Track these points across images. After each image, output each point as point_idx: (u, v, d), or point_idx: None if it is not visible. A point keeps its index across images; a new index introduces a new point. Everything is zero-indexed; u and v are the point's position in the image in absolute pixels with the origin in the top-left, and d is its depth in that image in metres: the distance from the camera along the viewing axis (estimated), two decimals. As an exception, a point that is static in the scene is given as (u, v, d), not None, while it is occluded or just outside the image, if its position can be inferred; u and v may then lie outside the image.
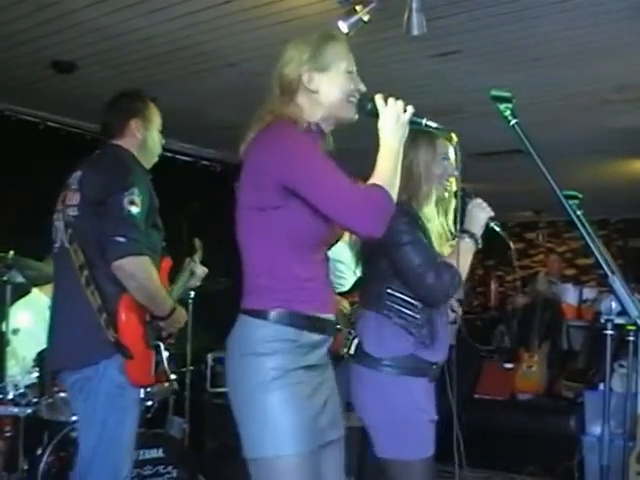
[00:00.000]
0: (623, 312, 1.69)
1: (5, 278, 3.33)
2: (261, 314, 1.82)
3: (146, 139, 2.61)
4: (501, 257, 8.93)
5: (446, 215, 2.40)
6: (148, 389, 2.52)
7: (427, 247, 2.26)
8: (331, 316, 1.95)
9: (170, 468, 3.37)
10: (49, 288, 3.24)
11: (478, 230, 2.30)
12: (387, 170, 1.85)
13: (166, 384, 2.94)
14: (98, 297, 2.36)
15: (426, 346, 2.24)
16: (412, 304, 2.25)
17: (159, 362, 2.55)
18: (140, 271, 2.34)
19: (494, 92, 1.82)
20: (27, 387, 3.26)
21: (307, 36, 1.96)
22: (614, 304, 2.68)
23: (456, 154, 2.22)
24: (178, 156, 6.00)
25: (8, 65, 4.20)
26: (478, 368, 6.33)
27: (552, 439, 5.23)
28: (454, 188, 2.33)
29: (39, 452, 3.18)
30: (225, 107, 4.88)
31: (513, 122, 1.79)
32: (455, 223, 2.28)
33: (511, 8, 3.31)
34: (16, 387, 3.24)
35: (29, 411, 3.18)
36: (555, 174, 1.73)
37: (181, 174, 5.76)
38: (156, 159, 2.70)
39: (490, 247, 2.41)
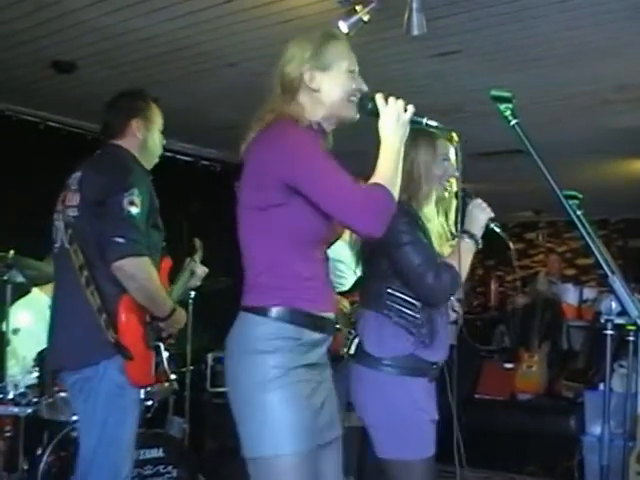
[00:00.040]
0: (623, 312, 1.69)
1: (5, 278, 3.33)
2: (262, 311, 1.82)
3: (147, 139, 2.61)
4: (501, 257, 8.93)
5: (446, 215, 2.40)
6: (148, 389, 2.52)
7: (427, 247, 2.26)
8: (331, 315, 1.95)
9: (170, 468, 3.37)
10: (49, 288, 3.24)
11: (478, 231, 2.30)
12: (388, 169, 1.85)
13: (166, 384, 2.94)
14: (98, 298, 2.36)
15: (426, 346, 2.24)
16: (412, 304, 2.25)
17: (159, 362, 2.55)
18: (140, 272, 2.34)
19: (494, 92, 1.82)
20: (27, 387, 3.26)
21: (309, 34, 1.96)
22: (614, 304, 2.68)
23: (457, 154, 2.22)
24: (178, 156, 6.00)
25: (8, 65, 4.20)
26: (478, 368, 6.33)
27: (552, 439, 5.23)
28: (454, 189, 2.33)
29: (39, 452, 3.18)
30: (225, 107, 4.88)
31: (513, 122, 1.79)
32: (456, 224, 2.28)
33: (511, 8, 3.31)
34: (16, 387, 3.24)
35: (29, 411, 3.18)
36: (555, 174, 1.73)
37: (181, 174, 5.76)
38: (157, 160, 2.69)
39: (490, 247, 2.41)
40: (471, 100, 4.54)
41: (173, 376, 3.32)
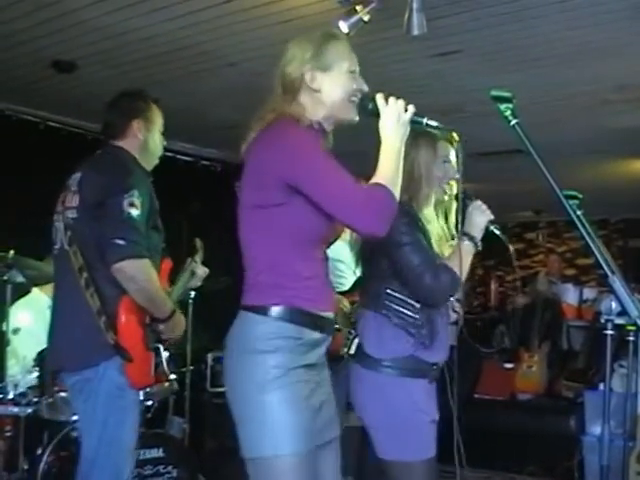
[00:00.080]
0: (623, 312, 1.69)
1: (5, 278, 3.33)
2: (262, 310, 1.82)
3: (147, 140, 2.61)
4: (501, 257, 8.91)
5: (446, 217, 2.40)
6: (148, 389, 2.52)
7: (426, 248, 2.26)
8: (331, 315, 1.95)
9: (170, 468, 3.38)
10: (49, 288, 3.24)
11: (478, 233, 2.29)
12: (389, 169, 1.85)
13: (166, 384, 2.94)
14: (97, 299, 2.36)
15: (426, 347, 2.24)
16: (411, 304, 2.25)
17: (159, 363, 2.55)
18: (140, 273, 2.34)
19: (494, 92, 1.82)
20: (27, 387, 3.26)
21: (309, 35, 1.96)
22: (614, 304, 2.68)
23: (457, 155, 2.22)
24: (179, 156, 6.00)
25: (8, 65, 4.19)
26: (478, 368, 6.33)
27: (552, 439, 5.23)
28: (455, 191, 2.33)
29: (39, 452, 3.18)
30: (225, 107, 4.88)
31: (513, 122, 1.79)
32: (456, 225, 2.28)
33: (511, 8, 3.31)
34: (16, 387, 3.25)
35: (29, 411, 3.18)
36: (555, 174, 1.73)
37: (181, 174, 5.75)
38: (157, 161, 2.69)
39: (490, 247, 2.41)
40: (471, 100, 4.54)
41: (173, 376, 3.32)
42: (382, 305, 2.27)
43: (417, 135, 2.11)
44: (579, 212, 1.87)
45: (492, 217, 2.32)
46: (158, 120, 2.67)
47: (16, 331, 3.49)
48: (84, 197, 2.42)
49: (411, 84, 4.31)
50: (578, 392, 5.48)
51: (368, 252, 2.36)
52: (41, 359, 3.23)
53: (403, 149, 1.89)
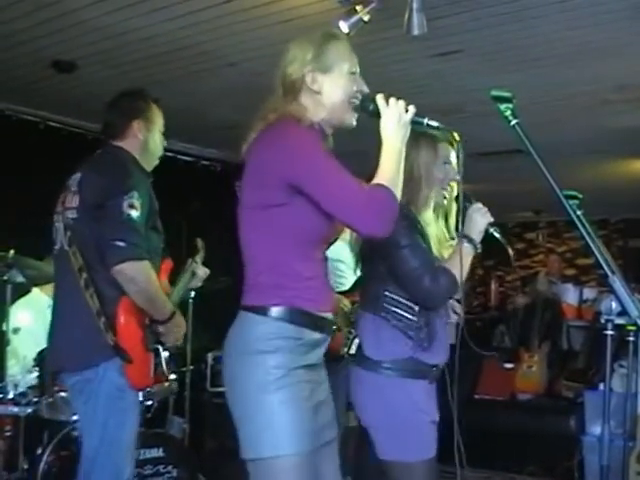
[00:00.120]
0: (623, 312, 1.69)
1: (5, 277, 3.33)
2: (262, 310, 1.82)
3: (148, 140, 2.60)
4: (501, 257, 8.91)
5: (447, 219, 2.40)
6: (148, 389, 2.52)
7: (425, 251, 2.25)
8: (330, 315, 1.95)
9: (170, 467, 3.38)
10: (49, 287, 3.25)
11: (477, 235, 2.28)
12: (390, 170, 1.84)
13: (166, 384, 2.94)
14: (97, 300, 2.36)
15: (424, 349, 2.24)
16: (410, 307, 2.24)
17: (158, 364, 2.55)
18: (140, 275, 2.33)
19: (494, 92, 1.82)
20: (27, 386, 3.26)
21: (310, 35, 1.96)
22: (614, 304, 2.67)
23: (458, 155, 2.21)
24: (179, 156, 6.00)
25: (8, 65, 4.19)
26: (478, 368, 6.33)
27: (552, 439, 5.23)
28: (455, 192, 2.32)
29: (39, 451, 3.18)
30: (225, 107, 4.88)
31: (513, 122, 1.80)
32: (457, 226, 2.27)
33: (511, 8, 3.31)
34: (16, 386, 3.25)
35: (29, 410, 3.18)
36: (555, 174, 1.73)
37: (181, 174, 5.75)
38: (157, 161, 2.69)
39: (490, 247, 2.40)
40: (471, 100, 4.54)
41: (173, 376, 3.32)
42: (381, 307, 2.26)
43: (417, 136, 2.10)
44: (579, 212, 1.88)
45: (492, 219, 2.31)
46: (158, 120, 2.66)
47: (16, 331, 3.49)
48: (84, 198, 2.42)
49: (411, 84, 4.31)
50: (578, 392, 5.48)
51: (368, 253, 2.36)
52: (41, 359, 3.23)
53: (404, 150, 1.89)
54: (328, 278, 1.99)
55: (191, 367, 4.64)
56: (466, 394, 5.85)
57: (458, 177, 2.24)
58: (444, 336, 2.33)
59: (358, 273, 2.51)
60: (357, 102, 1.93)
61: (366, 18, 3.11)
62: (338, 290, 3.55)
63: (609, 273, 1.69)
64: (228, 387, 1.88)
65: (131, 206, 2.32)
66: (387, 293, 2.26)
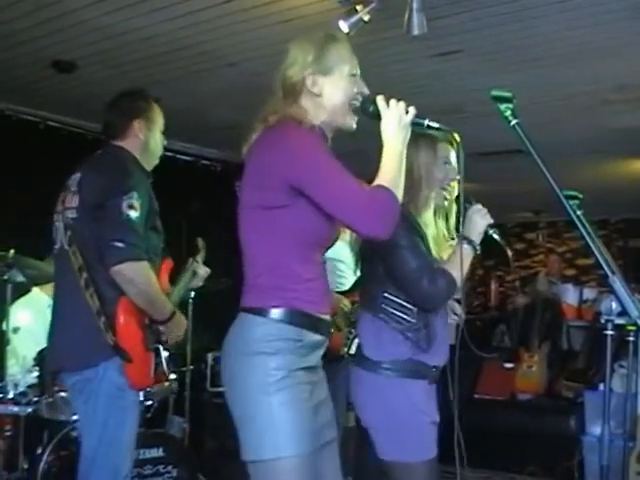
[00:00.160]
0: (623, 312, 1.69)
1: (6, 277, 3.33)
2: (262, 312, 1.82)
3: (148, 140, 2.60)
4: (501, 257, 8.90)
5: (447, 220, 2.39)
6: (148, 389, 2.52)
7: (424, 252, 2.25)
8: (329, 317, 1.95)
9: (170, 467, 3.38)
10: (49, 287, 3.25)
11: (477, 237, 2.27)
12: (391, 171, 1.84)
13: (166, 384, 2.94)
14: (97, 300, 2.36)
15: (424, 350, 2.24)
16: (409, 308, 2.24)
17: (159, 363, 2.54)
18: (139, 276, 2.33)
19: (494, 92, 1.82)
20: (27, 386, 3.26)
21: (310, 36, 1.96)
22: (614, 304, 2.67)
23: (458, 156, 2.20)
24: (179, 156, 6.00)
25: (8, 65, 4.19)
26: (478, 368, 6.33)
27: (552, 439, 5.23)
28: (455, 192, 2.32)
29: (39, 451, 3.18)
30: (225, 107, 4.88)
31: (513, 122, 1.80)
32: (457, 227, 2.27)
33: (511, 8, 3.31)
34: (16, 386, 3.25)
35: (29, 410, 3.18)
36: (555, 174, 1.73)
37: (181, 174, 5.75)
38: (157, 161, 2.69)
39: (490, 248, 2.40)
40: (471, 100, 4.54)
41: (173, 376, 3.32)
42: (380, 308, 2.26)
43: (417, 136, 2.10)
44: (579, 212, 1.87)
45: (492, 221, 2.30)
46: (159, 120, 2.66)
47: (16, 330, 3.49)
48: (84, 198, 2.42)
49: (411, 84, 4.31)
50: (578, 392, 5.48)
51: (367, 254, 2.36)
52: (41, 359, 3.23)
53: (405, 151, 1.89)
54: (327, 280, 1.99)
55: (191, 367, 4.64)
56: (466, 394, 5.85)
57: (458, 177, 2.23)
58: (444, 337, 2.33)
59: (358, 273, 2.51)
60: (357, 104, 1.93)
61: (366, 18, 3.11)
62: (338, 290, 3.56)
63: (609, 273, 1.69)
64: (228, 387, 1.87)
65: (130, 206, 2.32)
66: (386, 294, 2.26)
